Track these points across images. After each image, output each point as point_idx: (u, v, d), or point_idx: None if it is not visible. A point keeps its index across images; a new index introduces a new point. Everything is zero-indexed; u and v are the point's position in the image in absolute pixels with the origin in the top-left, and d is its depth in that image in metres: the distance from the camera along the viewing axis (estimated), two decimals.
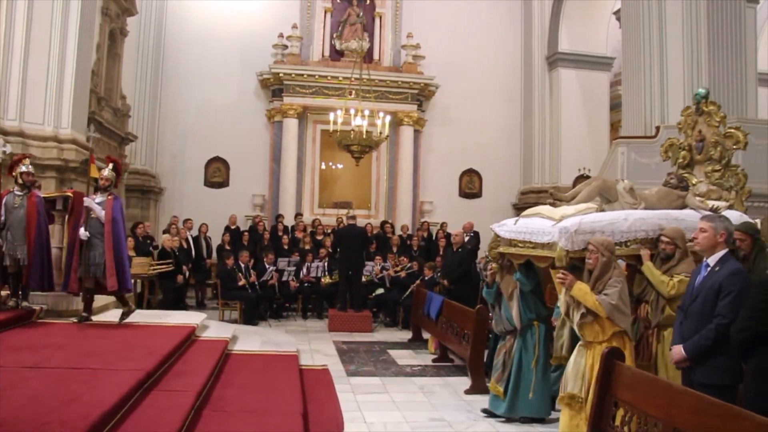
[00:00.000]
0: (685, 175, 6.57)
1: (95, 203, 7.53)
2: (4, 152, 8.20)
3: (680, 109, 11.87)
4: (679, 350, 4.39)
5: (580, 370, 4.75)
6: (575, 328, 4.90)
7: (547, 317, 6.18)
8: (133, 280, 9.84)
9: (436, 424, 5.94)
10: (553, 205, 5.73)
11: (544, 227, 5.19)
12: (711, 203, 5.99)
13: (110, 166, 7.86)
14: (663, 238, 5.26)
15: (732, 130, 5.90)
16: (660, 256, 5.26)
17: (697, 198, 6.08)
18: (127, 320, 7.74)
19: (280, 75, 16.10)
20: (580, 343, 4.90)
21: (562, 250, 4.92)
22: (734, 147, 6.03)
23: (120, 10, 12.98)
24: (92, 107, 11.37)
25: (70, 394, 4.39)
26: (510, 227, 5.70)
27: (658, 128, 12.02)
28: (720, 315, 4.21)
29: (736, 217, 5.85)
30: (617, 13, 15.03)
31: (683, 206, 5.93)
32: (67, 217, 7.91)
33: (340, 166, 16.76)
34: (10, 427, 3.66)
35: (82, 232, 7.41)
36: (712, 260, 4.45)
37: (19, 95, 9.58)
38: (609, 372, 4.32)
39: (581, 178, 16.63)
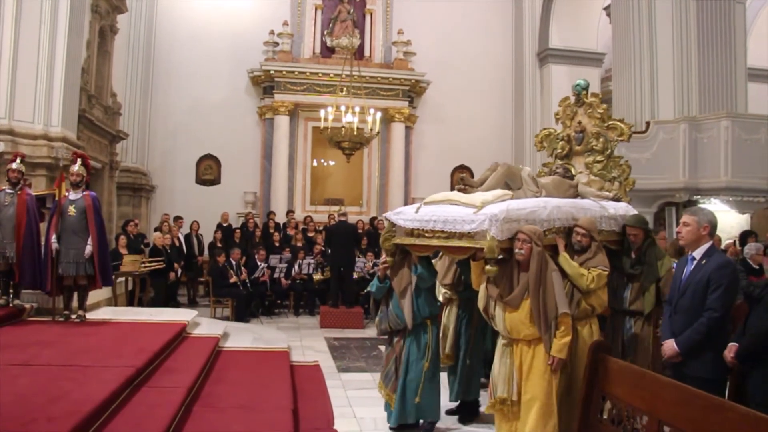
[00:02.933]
0: (567, 165, 6.41)
1: (69, 199, 7.49)
2: None
3: (671, 105, 12.10)
4: (671, 345, 4.39)
5: (507, 371, 4.49)
6: (497, 325, 4.59)
7: (437, 316, 5.71)
8: (124, 278, 9.85)
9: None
10: (463, 191, 5.23)
11: (462, 215, 4.61)
12: (610, 193, 5.96)
13: (79, 161, 7.75)
14: (578, 230, 5.06)
15: (616, 122, 5.81)
16: (575, 248, 5.03)
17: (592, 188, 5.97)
18: (118, 318, 7.74)
19: (271, 72, 16.09)
20: (502, 342, 4.59)
21: (494, 240, 4.37)
22: (618, 139, 5.89)
23: (110, 7, 12.92)
24: (82, 105, 11.32)
25: (58, 391, 4.40)
26: (410, 215, 5.03)
27: (648, 123, 12.09)
28: (711, 308, 4.23)
29: (623, 208, 5.83)
30: (608, 8, 15.07)
31: (575, 195, 5.76)
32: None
33: (331, 163, 16.76)
34: None
35: (54, 243, 7.32)
36: (697, 253, 4.47)
37: (8, 93, 9.52)
38: (596, 365, 4.34)
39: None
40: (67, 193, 7.51)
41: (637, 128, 12.35)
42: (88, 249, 7.37)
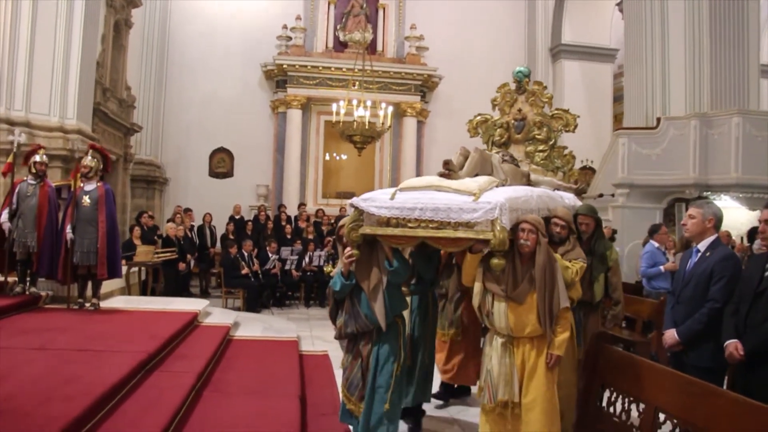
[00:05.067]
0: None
1: (84, 190, 7.66)
2: (19, 142, 8.34)
3: (682, 101, 12.10)
4: (672, 334, 4.46)
5: (508, 372, 4.12)
6: (494, 322, 4.21)
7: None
8: (137, 268, 10.02)
9: (428, 407, 6.04)
10: (447, 176, 4.81)
11: (457, 202, 4.14)
12: (574, 184, 5.77)
13: (89, 152, 7.92)
14: (557, 221, 4.90)
15: (561, 112, 5.61)
16: (554, 239, 4.82)
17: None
18: (131, 306, 7.92)
19: (284, 66, 16.22)
20: (501, 341, 4.19)
21: (505, 231, 3.96)
22: (564, 129, 5.69)
23: (125, 1, 13.12)
24: (97, 98, 11.51)
25: (72, 373, 4.55)
26: (385, 202, 4.34)
27: (659, 119, 12.09)
28: (713, 299, 4.29)
29: (573, 199, 5.70)
30: (620, 4, 15.05)
31: (527, 185, 5.47)
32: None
33: (344, 156, 16.87)
34: (15, 402, 3.82)
35: (68, 233, 7.50)
36: (702, 246, 4.53)
37: (25, 86, 9.75)
38: (597, 355, 4.42)
39: (584, 170, 16.74)
40: (81, 184, 7.67)
41: (647, 124, 12.40)
42: None
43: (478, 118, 6.04)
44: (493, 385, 4.16)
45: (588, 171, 16.42)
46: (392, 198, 4.35)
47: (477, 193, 4.17)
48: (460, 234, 4.12)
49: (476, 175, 4.85)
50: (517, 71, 5.78)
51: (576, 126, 5.59)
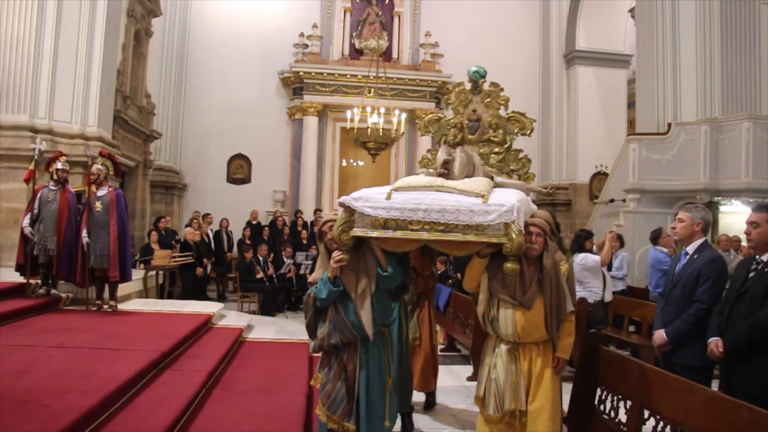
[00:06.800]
0: None
1: (96, 195, 7.94)
2: (40, 150, 8.64)
3: (693, 106, 12.17)
4: (660, 334, 4.61)
5: (514, 379, 3.99)
6: (498, 328, 4.08)
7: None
8: (154, 272, 10.29)
9: (434, 406, 6.23)
10: (446, 176, 4.55)
11: (466, 204, 3.94)
12: (544, 189, 5.62)
13: (99, 159, 8.19)
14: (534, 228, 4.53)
15: (518, 115, 5.41)
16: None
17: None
18: (148, 309, 8.20)
19: (301, 73, 16.53)
20: (506, 348, 4.07)
21: (521, 234, 3.84)
22: (520, 132, 5.50)
23: (145, 11, 13.46)
24: (118, 106, 11.83)
25: (89, 369, 4.79)
26: (380, 202, 4.04)
27: (669, 125, 12.17)
28: (699, 300, 4.44)
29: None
30: (632, 10, 15.14)
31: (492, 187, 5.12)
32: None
33: (360, 163, 17.08)
34: (35, 395, 4.07)
35: (85, 237, 7.79)
36: (690, 248, 4.69)
37: (48, 94, 10.07)
38: (590, 355, 4.57)
39: (598, 176, 16.82)
40: (95, 190, 7.96)
41: (659, 130, 12.48)
42: None
43: (432, 116, 5.81)
44: (500, 394, 4.00)
45: (601, 176, 16.48)
46: (388, 198, 4.04)
47: (485, 194, 3.98)
48: (470, 238, 3.91)
49: (467, 175, 4.66)
50: (473, 71, 5.55)
51: (532, 130, 5.42)
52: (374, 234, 4.03)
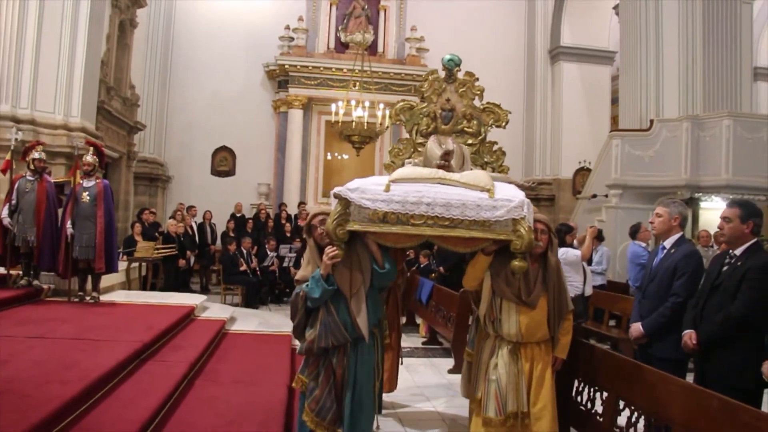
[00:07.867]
0: None
1: (83, 186, 7.91)
2: (16, 139, 8.58)
3: (675, 103, 12.30)
4: (637, 327, 4.69)
5: (516, 380, 3.88)
6: (500, 329, 3.98)
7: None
8: (137, 264, 10.27)
9: (414, 399, 6.29)
10: (446, 168, 4.37)
11: (472, 198, 3.77)
12: (528, 184, 5.56)
13: (91, 150, 8.17)
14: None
15: (492, 106, 5.23)
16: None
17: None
18: (130, 300, 8.19)
19: (286, 66, 16.50)
20: (507, 348, 3.95)
21: (531, 231, 3.74)
22: (495, 124, 5.32)
23: (129, 1, 13.39)
24: (101, 96, 11.77)
25: (70, 360, 4.80)
26: (380, 195, 3.81)
27: (652, 122, 12.29)
28: (675, 294, 4.52)
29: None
30: (617, 7, 15.25)
31: None
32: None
33: (345, 156, 17.09)
34: (16, 384, 4.07)
35: (69, 228, 7.75)
36: (668, 243, 4.76)
37: (31, 84, 10.01)
38: (574, 350, 4.62)
39: (581, 171, 16.94)
40: (81, 181, 7.92)
41: (642, 126, 12.60)
42: None
43: (403, 104, 5.53)
44: (502, 396, 3.86)
45: (584, 172, 16.60)
46: (387, 190, 3.82)
47: (491, 188, 3.83)
48: (476, 234, 3.75)
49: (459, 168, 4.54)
50: (448, 59, 5.32)
51: (507, 122, 5.28)
52: (372, 228, 3.81)
